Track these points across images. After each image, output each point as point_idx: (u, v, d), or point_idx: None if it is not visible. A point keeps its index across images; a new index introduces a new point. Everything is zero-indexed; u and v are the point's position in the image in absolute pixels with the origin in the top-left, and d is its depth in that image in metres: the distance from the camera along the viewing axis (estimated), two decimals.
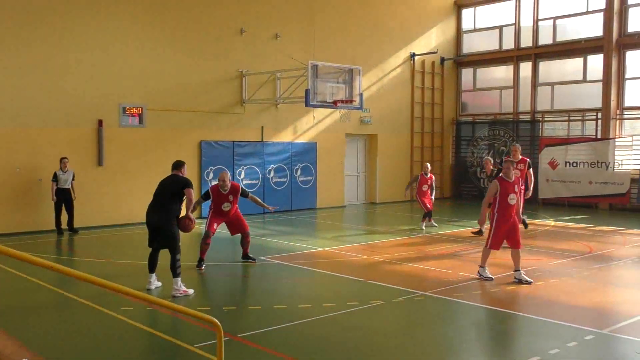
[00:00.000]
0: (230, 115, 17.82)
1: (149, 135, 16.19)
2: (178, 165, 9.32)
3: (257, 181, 18.24)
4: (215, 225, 10.77)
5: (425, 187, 15.65)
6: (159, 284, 9.11)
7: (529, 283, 9.25)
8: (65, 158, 14.28)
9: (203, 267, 10.49)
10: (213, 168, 17.13)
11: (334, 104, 16.43)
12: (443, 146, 23.79)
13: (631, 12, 19.97)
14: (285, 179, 18.94)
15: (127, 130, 15.83)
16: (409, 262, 11.14)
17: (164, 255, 8.96)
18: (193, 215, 9.02)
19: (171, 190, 8.85)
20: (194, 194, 9.00)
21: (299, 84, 16.97)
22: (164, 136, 16.46)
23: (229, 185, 10.60)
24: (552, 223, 16.60)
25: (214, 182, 17.17)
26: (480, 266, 9.68)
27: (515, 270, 9.44)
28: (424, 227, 15.33)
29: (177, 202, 8.88)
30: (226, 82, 17.70)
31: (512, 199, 9.41)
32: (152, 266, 9.05)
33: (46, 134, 14.64)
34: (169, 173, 9.31)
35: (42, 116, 14.57)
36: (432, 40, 23.20)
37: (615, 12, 19.72)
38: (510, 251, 9.64)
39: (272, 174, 18.62)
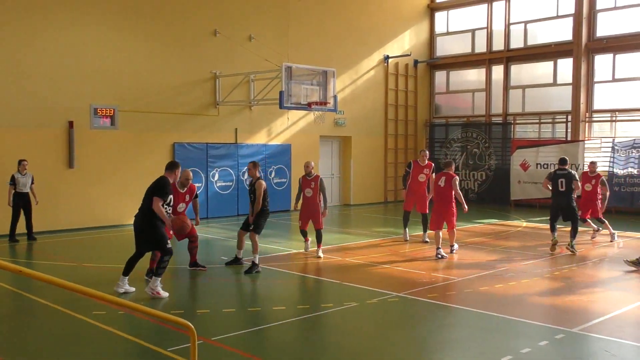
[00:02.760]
0: (203, 117, 17.71)
1: (121, 137, 16.00)
2: (168, 166, 9.10)
3: (231, 183, 18.16)
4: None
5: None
6: (131, 289, 8.86)
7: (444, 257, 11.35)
8: (24, 160, 13.37)
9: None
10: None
11: (308, 106, 16.43)
12: (416, 148, 23.95)
13: (599, 17, 20.37)
14: None
15: (99, 132, 15.63)
16: (383, 263, 11.19)
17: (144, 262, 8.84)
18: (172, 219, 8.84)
19: (152, 192, 8.63)
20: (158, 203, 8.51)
21: (273, 86, 16.94)
22: (136, 138, 16.28)
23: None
24: (524, 224, 16.82)
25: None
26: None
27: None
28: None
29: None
30: (200, 84, 17.60)
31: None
32: (127, 269, 8.81)
33: (13, 135, 14.34)
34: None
35: (8, 116, 14.27)
36: (405, 43, 23.36)
37: (584, 17, 20.09)
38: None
39: (246, 175, 18.50)
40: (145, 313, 4.63)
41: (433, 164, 13.57)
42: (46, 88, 14.80)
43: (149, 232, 8.58)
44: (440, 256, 11.45)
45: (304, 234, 12.08)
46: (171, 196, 8.85)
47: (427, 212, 13.22)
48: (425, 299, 8.55)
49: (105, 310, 7.82)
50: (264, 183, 10.43)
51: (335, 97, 17.17)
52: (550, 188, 12.44)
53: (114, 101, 15.85)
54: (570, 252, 12.04)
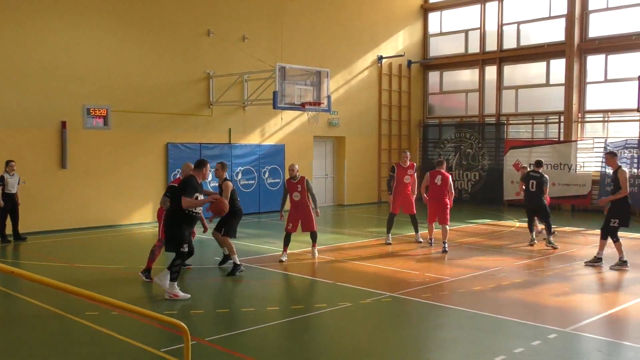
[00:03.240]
0: (197, 117, 17.68)
1: (115, 137, 15.95)
2: (196, 165, 9.00)
3: None
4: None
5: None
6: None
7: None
8: (12, 161, 13.26)
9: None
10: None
11: (302, 106, 16.43)
12: (410, 148, 23.98)
13: (592, 17, 20.46)
14: (253, 181, 18.89)
15: (92, 132, 15.57)
16: (376, 263, 11.20)
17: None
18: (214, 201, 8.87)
19: (178, 192, 8.66)
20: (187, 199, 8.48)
21: (267, 86, 16.93)
22: (129, 138, 16.24)
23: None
24: (517, 224, 16.88)
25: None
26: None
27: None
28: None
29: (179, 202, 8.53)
30: (193, 84, 17.57)
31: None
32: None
33: (6, 135, 14.27)
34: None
35: (0, 116, 14.21)
36: (399, 44, 23.40)
37: (576, 18, 20.17)
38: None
39: (239, 176, 18.54)
40: (138, 314, 4.62)
41: (415, 164, 13.76)
42: (39, 88, 14.74)
43: (171, 231, 8.63)
44: (445, 250, 12.14)
45: (287, 241, 11.45)
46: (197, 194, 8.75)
47: (415, 212, 13.39)
48: (418, 299, 8.57)
49: (98, 310, 7.80)
50: (230, 184, 10.19)
51: (329, 97, 17.18)
52: (524, 188, 13.16)
53: (107, 101, 15.81)
54: (551, 248, 12.54)
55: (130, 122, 16.23)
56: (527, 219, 13.58)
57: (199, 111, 17.72)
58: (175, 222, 8.57)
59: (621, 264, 10.66)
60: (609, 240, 10.80)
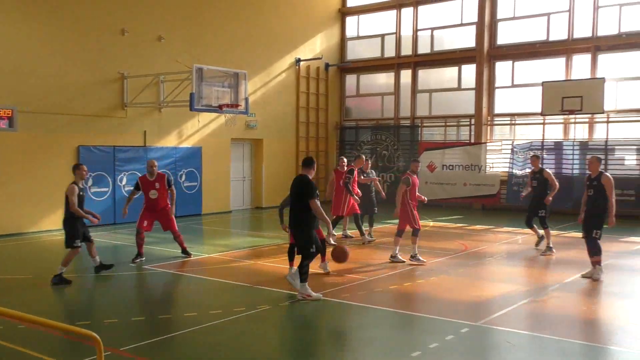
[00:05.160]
0: (110, 119, 17.11)
1: (21, 139, 15.13)
2: (305, 163, 9.05)
3: None
4: (145, 222, 11.45)
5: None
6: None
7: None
8: None
9: (137, 261, 11.28)
10: (93, 174, 16.36)
11: (220, 108, 16.27)
12: (327, 151, 24.25)
13: (500, 26, 21.45)
14: None
15: None
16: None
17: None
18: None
19: (297, 191, 8.76)
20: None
21: (184, 88, 16.64)
22: (38, 141, 15.47)
23: (156, 172, 11.56)
24: (431, 223, 17.41)
25: (94, 189, 16.51)
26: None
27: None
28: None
29: (305, 204, 8.60)
30: (106, 84, 16.99)
31: None
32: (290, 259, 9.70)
33: None
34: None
35: None
36: (317, 47, 23.62)
37: (486, 26, 21.11)
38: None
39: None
40: (47, 326, 4.43)
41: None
42: None
43: (299, 232, 8.79)
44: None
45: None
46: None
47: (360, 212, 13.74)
48: (337, 300, 8.68)
49: (1, 324, 7.39)
50: (75, 188, 9.82)
51: (246, 99, 17.09)
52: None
53: (13, 101, 14.97)
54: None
55: (39, 124, 15.47)
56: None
57: (112, 113, 17.15)
58: (302, 225, 8.70)
59: (548, 251, 12.28)
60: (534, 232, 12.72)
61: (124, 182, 17.25)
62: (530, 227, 12.97)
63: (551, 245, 12.33)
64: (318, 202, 8.60)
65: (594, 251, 10.05)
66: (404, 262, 11.29)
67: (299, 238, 8.80)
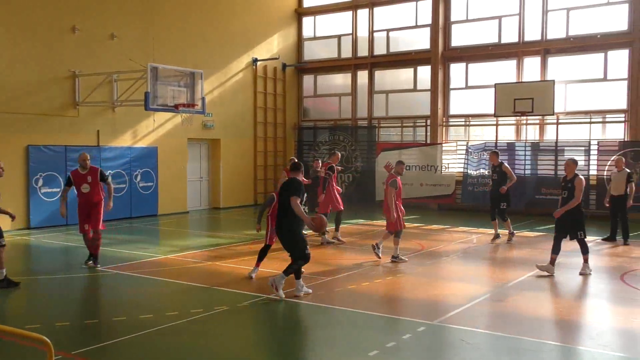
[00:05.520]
0: (61, 118, 16.66)
1: None
2: (293, 167, 9.15)
3: None
4: (85, 225, 10.82)
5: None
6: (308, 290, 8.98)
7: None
8: None
9: (90, 263, 10.80)
10: (43, 174, 15.91)
11: (176, 108, 16.05)
12: (285, 151, 24.19)
13: (454, 28, 21.78)
14: (124, 185, 18.12)
15: None
16: (253, 266, 11.14)
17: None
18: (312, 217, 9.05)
19: (289, 193, 8.64)
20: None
21: (138, 87, 16.35)
22: None
23: (89, 165, 10.97)
24: None
25: (45, 189, 16.05)
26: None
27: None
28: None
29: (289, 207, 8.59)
30: (57, 82, 16.54)
31: None
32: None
33: None
34: None
35: None
36: (274, 47, 23.53)
37: (440, 28, 21.41)
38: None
39: (109, 180, 17.67)
40: None
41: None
42: None
43: (291, 236, 8.69)
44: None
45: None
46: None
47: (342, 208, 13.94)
48: (295, 300, 8.65)
49: None
50: None
51: (203, 99, 16.92)
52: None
53: None
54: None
55: None
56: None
57: (63, 112, 16.71)
58: (291, 228, 8.67)
59: (511, 237, 13.75)
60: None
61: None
62: (494, 219, 14.10)
63: (513, 231, 13.89)
64: (299, 202, 8.53)
65: (583, 250, 10.37)
66: (406, 261, 11.41)
67: (293, 243, 8.72)
